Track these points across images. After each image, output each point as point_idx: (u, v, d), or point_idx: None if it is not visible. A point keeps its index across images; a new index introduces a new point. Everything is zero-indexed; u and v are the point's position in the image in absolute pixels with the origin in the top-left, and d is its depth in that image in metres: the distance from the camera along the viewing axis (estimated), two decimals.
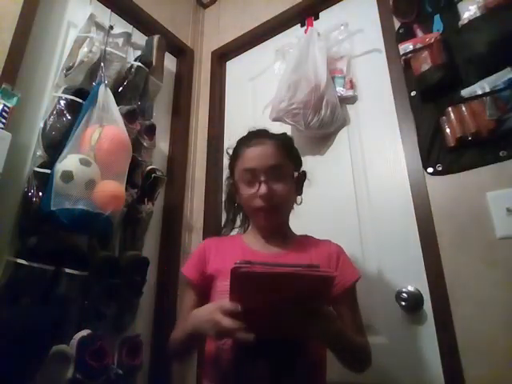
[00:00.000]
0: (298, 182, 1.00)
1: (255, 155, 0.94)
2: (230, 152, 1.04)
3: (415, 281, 1.11)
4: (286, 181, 0.93)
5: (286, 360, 0.78)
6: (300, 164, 1.04)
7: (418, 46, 1.22)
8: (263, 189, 0.89)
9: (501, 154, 1.06)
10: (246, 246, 0.97)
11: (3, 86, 1.13)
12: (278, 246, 0.96)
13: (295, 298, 0.64)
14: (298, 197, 1.03)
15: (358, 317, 0.91)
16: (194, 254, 1.01)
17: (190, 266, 0.98)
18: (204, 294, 0.93)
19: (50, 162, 1.18)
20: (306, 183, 1.04)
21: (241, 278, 0.63)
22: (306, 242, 0.98)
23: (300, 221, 1.42)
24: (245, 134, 1.05)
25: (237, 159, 0.98)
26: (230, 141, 1.80)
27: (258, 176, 0.91)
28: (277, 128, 1.53)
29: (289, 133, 1.55)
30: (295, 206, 1.04)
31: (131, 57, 1.61)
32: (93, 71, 1.38)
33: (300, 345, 0.80)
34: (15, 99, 1.14)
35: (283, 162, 0.94)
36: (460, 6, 1.19)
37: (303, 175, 1.03)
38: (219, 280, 0.89)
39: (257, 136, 0.99)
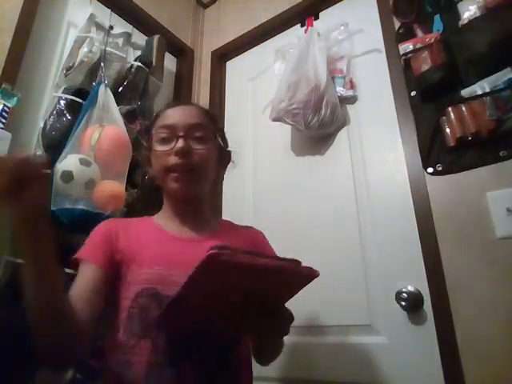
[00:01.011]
0: (221, 158, 0.89)
1: (176, 113, 0.83)
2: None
3: (415, 281, 1.11)
4: (207, 145, 0.81)
5: (218, 359, 0.68)
6: (226, 143, 0.93)
7: (418, 45, 1.22)
8: (180, 143, 0.77)
9: (501, 154, 1.06)
10: (159, 227, 0.83)
11: (3, 85, 1.13)
12: (194, 229, 0.82)
13: (264, 292, 0.57)
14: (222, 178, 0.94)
15: None
16: (94, 234, 0.80)
17: (90, 247, 0.77)
18: (108, 282, 0.73)
19: (49, 162, 1.18)
20: (230, 165, 0.94)
21: (216, 266, 0.51)
22: (227, 226, 0.89)
23: (299, 221, 1.43)
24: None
25: (154, 122, 0.86)
26: (229, 140, 1.81)
27: (177, 132, 0.79)
28: (277, 128, 1.55)
29: (289, 133, 1.57)
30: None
31: (131, 57, 1.61)
32: (93, 71, 1.39)
33: (232, 341, 0.71)
34: (15, 99, 1.14)
35: (208, 125, 0.84)
36: (460, 5, 1.19)
37: (228, 154, 0.92)
38: (134, 268, 0.73)
39: (183, 102, 0.92)
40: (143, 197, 0.93)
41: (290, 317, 0.66)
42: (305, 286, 0.61)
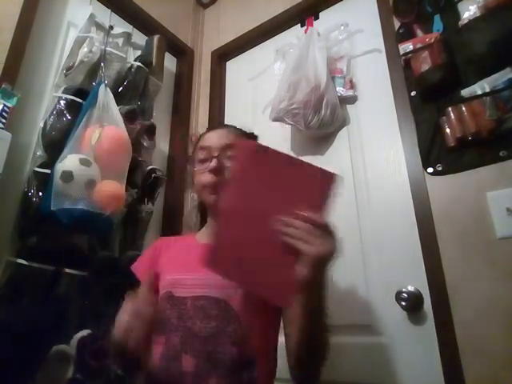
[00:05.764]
0: None
1: (212, 135, 0.95)
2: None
3: (415, 281, 1.11)
4: None
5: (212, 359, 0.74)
6: None
7: (418, 45, 1.22)
8: (213, 162, 0.87)
9: (501, 154, 1.06)
10: (195, 241, 0.94)
11: (3, 85, 1.13)
12: None
13: (294, 199, 0.59)
14: None
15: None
16: (145, 252, 0.99)
17: (140, 263, 0.96)
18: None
19: (50, 162, 1.18)
20: None
21: (249, 154, 0.60)
22: None
23: None
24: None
25: (196, 145, 0.98)
26: None
27: (211, 153, 0.89)
28: (277, 128, 1.55)
29: (289, 133, 1.57)
30: None
31: (131, 57, 1.61)
32: (93, 71, 1.39)
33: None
34: (15, 99, 1.14)
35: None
36: (460, 5, 1.19)
37: None
38: (161, 278, 0.86)
39: (220, 125, 0.99)
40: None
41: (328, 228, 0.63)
42: (329, 187, 0.62)
